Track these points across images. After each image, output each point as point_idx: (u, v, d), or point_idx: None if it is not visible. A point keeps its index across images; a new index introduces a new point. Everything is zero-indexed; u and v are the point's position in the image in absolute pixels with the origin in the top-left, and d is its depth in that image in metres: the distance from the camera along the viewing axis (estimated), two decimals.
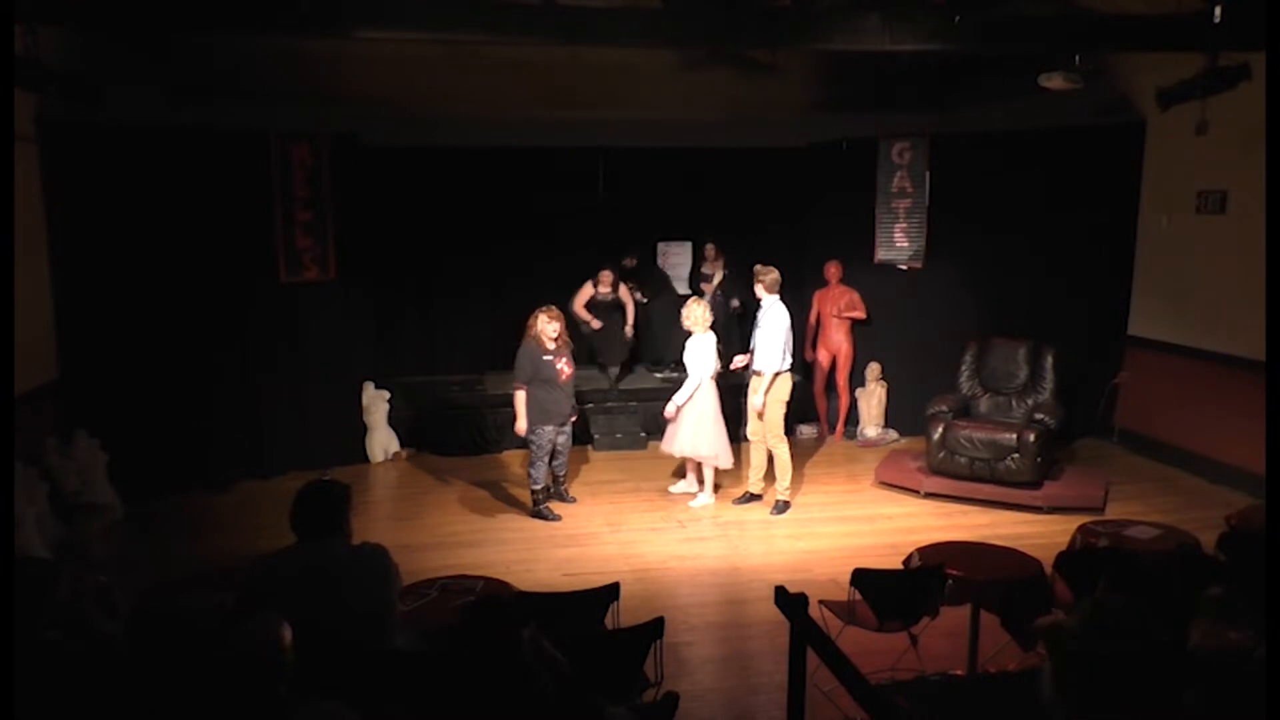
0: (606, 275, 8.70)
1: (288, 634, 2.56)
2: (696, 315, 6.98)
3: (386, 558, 3.39)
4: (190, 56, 7.28)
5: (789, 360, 6.89)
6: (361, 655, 3.14)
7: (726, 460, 7.12)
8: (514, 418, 6.73)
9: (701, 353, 6.94)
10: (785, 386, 6.91)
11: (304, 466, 7.56)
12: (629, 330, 8.95)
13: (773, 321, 6.80)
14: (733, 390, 8.12)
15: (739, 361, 7.15)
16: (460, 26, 5.75)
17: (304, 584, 3.19)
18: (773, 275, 6.86)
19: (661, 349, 9.27)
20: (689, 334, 7.05)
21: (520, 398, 6.63)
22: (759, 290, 6.88)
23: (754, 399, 6.90)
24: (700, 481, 7.26)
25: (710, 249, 9.32)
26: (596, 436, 8.70)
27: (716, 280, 9.18)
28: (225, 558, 5.66)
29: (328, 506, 3.37)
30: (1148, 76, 7.49)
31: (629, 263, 9.26)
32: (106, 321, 6.95)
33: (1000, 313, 8.41)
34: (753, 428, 7.09)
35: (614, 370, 9.15)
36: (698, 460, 7.19)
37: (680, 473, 7.53)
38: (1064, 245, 8.46)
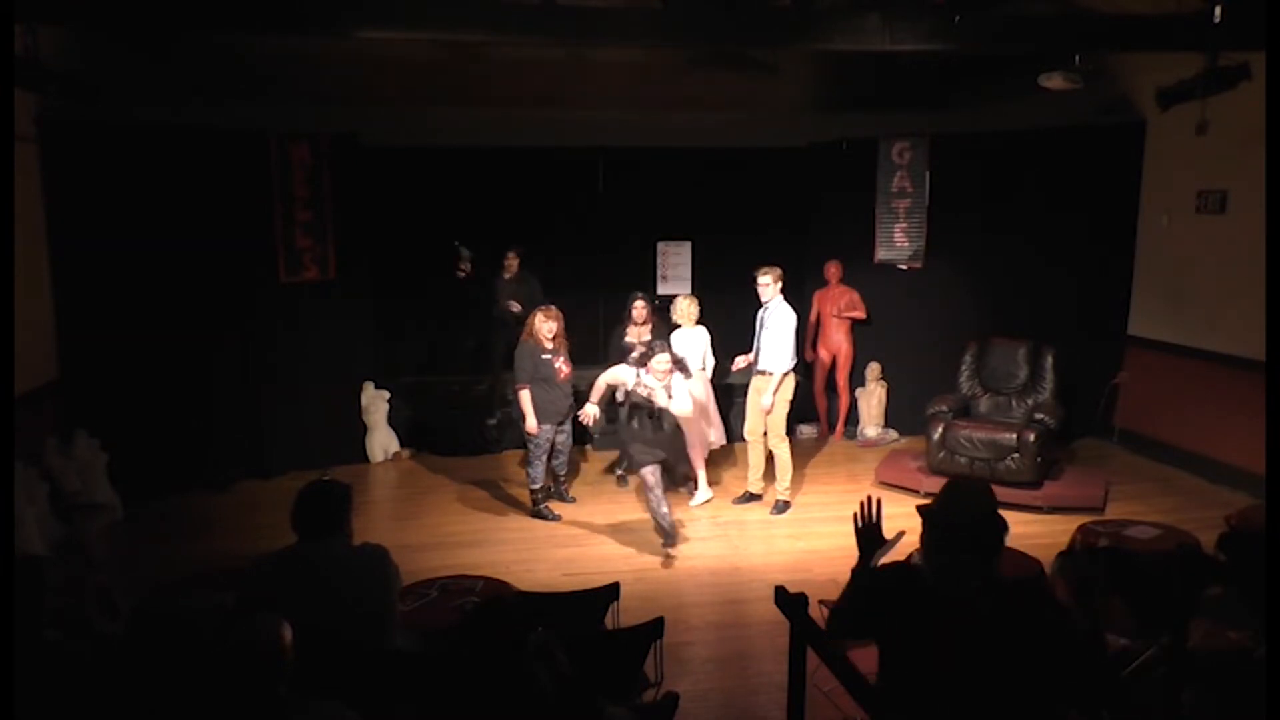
0: (641, 306, 7.33)
1: (288, 634, 2.56)
2: (683, 309, 7.09)
3: (387, 559, 3.39)
4: (190, 56, 7.28)
5: (794, 360, 6.93)
6: (361, 655, 3.15)
7: (714, 444, 7.36)
8: (520, 417, 6.72)
9: (683, 347, 7.01)
10: (789, 386, 6.92)
11: (304, 466, 7.56)
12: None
13: (780, 322, 6.81)
14: (725, 390, 8.14)
15: (740, 363, 7.16)
16: (460, 26, 5.75)
17: (303, 583, 3.20)
18: (772, 276, 6.87)
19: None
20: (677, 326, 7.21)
21: (525, 397, 6.63)
22: (763, 292, 6.90)
23: (763, 399, 6.87)
24: (703, 482, 7.27)
25: (640, 307, 7.38)
26: (596, 436, 8.68)
27: (638, 352, 6.60)
28: (225, 558, 5.66)
29: (328, 506, 3.38)
30: (1148, 76, 7.49)
31: (513, 257, 8.39)
32: (106, 321, 6.94)
33: (1000, 313, 8.41)
34: (750, 427, 7.09)
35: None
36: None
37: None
38: (1064, 245, 8.46)
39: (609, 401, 6.59)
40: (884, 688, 2.68)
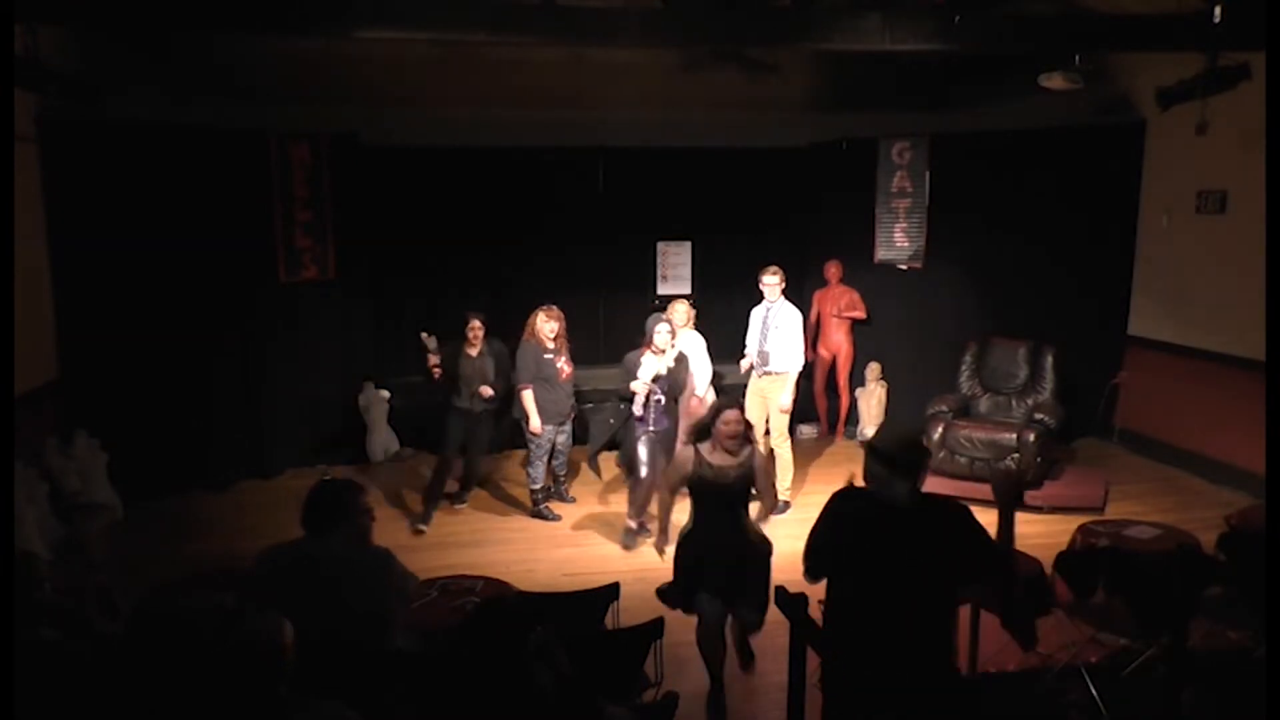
0: (666, 330, 6.38)
1: (288, 634, 2.56)
2: (681, 312, 7.09)
3: (391, 560, 3.39)
4: (190, 56, 7.28)
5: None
6: (362, 655, 3.14)
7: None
8: (524, 418, 6.70)
9: (702, 350, 7.02)
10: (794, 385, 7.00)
11: (304, 466, 7.56)
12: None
13: (791, 321, 6.95)
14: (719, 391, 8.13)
15: (745, 365, 7.18)
16: (460, 26, 5.75)
17: (305, 581, 3.20)
18: (780, 276, 6.97)
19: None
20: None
21: (528, 397, 6.63)
22: (770, 292, 6.96)
23: (783, 399, 6.93)
24: None
25: (664, 331, 6.36)
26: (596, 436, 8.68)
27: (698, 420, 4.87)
28: (225, 558, 5.65)
29: (329, 505, 3.37)
30: (1148, 76, 7.49)
31: (477, 326, 6.83)
32: (106, 322, 6.94)
33: (1000, 313, 8.41)
34: None
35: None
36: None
37: None
38: (1064, 245, 8.46)
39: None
40: (831, 594, 3.24)
